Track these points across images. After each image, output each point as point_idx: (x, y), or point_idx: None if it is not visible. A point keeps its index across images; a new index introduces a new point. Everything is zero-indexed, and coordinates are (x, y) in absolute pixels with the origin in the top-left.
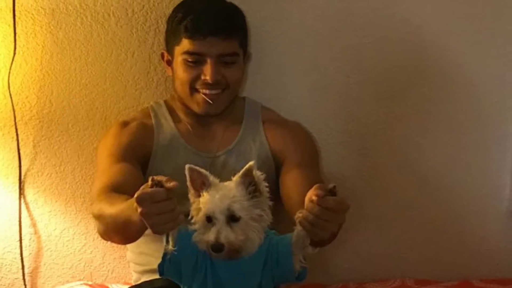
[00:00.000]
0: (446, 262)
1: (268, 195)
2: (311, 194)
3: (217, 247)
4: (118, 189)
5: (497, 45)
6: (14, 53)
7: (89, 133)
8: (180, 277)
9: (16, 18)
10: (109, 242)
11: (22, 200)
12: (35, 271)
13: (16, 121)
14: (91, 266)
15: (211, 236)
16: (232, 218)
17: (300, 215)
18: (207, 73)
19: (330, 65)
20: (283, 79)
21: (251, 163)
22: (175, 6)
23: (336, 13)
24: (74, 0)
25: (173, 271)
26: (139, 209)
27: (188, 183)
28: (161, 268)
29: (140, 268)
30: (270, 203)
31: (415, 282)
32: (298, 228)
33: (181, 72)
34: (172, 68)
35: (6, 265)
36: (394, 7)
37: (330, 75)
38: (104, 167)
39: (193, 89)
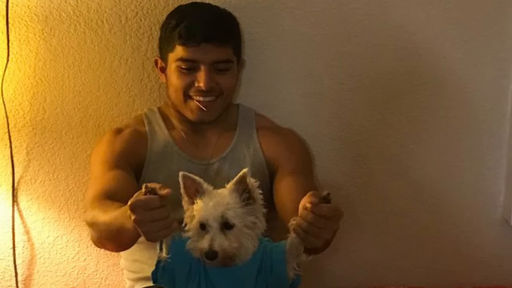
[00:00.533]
0: (440, 269)
1: (262, 202)
2: (305, 202)
3: (211, 254)
4: (112, 196)
5: (491, 51)
6: (7, 60)
7: (83, 140)
8: (174, 285)
9: (9, 25)
10: (102, 250)
11: (15, 208)
12: (28, 278)
13: (9, 128)
14: (84, 273)
15: (205, 243)
16: (226, 226)
17: (294, 222)
18: (201, 80)
19: (324, 72)
20: (277, 86)
21: (245, 170)
22: (168, 12)
23: (330, 20)
24: (67, 7)
25: (166, 278)
26: (133, 217)
27: (182, 190)
28: (154, 276)
29: (134, 276)
30: (264, 210)
31: None
32: (292, 235)
33: (174, 79)
34: (165, 75)
35: None
36: (388, 14)
37: (324, 82)
38: (98, 174)
39: (186, 96)
